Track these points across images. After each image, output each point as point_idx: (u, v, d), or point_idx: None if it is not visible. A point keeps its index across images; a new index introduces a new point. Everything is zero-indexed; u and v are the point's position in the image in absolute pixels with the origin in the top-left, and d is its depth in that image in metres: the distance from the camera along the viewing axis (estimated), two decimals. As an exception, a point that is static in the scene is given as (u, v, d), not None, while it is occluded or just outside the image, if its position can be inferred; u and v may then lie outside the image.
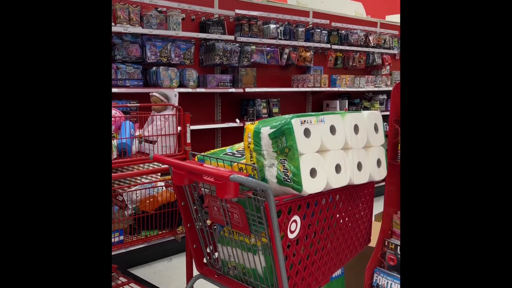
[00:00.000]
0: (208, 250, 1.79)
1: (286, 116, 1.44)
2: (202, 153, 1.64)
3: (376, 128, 1.67)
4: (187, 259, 2.08)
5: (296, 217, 1.45)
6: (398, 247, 1.83)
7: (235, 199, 1.53)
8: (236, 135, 4.04)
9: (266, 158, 1.44)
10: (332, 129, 1.48)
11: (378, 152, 1.67)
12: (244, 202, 1.49)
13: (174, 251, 3.19)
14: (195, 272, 1.84)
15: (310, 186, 1.38)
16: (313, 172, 1.40)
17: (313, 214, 1.52)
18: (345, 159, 1.51)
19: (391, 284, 1.79)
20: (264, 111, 3.92)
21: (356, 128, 1.57)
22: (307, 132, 1.40)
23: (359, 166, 1.58)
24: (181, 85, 3.31)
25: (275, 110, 4.05)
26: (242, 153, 1.65)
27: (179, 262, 3.08)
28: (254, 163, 1.46)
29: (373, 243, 2.21)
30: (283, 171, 1.39)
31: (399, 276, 1.80)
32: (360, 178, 1.58)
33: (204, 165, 1.58)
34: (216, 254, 1.77)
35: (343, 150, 1.52)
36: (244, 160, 1.54)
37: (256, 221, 1.46)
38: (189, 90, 3.27)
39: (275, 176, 1.41)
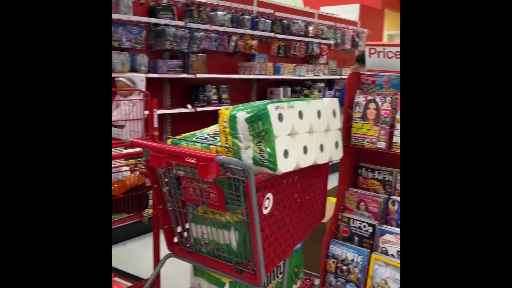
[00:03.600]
0: (179, 230, 1.87)
1: (260, 102, 1.56)
2: (177, 137, 1.71)
3: (334, 113, 1.85)
4: (154, 240, 2.14)
5: (269, 195, 1.59)
6: (351, 220, 2.05)
7: (211, 180, 1.62)
8: (186, 121, 4.07)
9: (242, 141, 1.55)
10: (300, 114, 1.64)
11: (336, 135, 1.86)
12: (220, 182, 1.60)
13: (126, 236, 3.20)
14: (163, 253, 1.91)
15: (284, 166, 1.52)
16: (285, 153, 1.54)
17: (282, 192, 1.67)
18: (311, 141, 1.68)
19: (345, 253, 2.02)
20: (215, 97, 4.00)
21: (319, 114, 1.73)
22: (280, 117, 1.53)
23: (321, 148, 1.75)
24: (132, 70, 3.26)
25: (225, 96, 4.14)
26: (214, 137, 1.75)
27: (133, 246, 3.10)
28: (230, 146, 1.57)
29: (326, 219, 2.43)
30: (259, 153, 1.51)
31: (352, 245, 2.02)
32: (322, 159, 1.76)
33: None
34: (185, 233, 1.86)
35: (308, 133, 1.68)
36: (219, 143, 1.63)
37: (233, 199, 1.58)
38: (141, 75, 3.23)
39: (251, 158, 1.53)
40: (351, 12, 7.44)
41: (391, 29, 10.83)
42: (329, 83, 6.08)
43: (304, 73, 5.33)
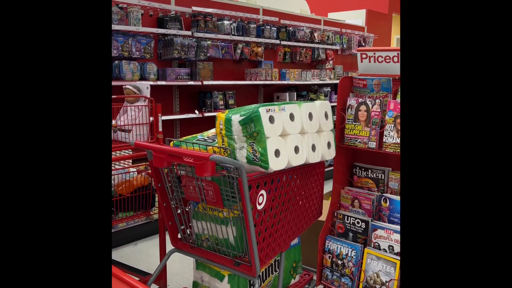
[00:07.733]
0: (182, 227, 2.00)
1: (253, 105, 1.69)
2: (179, 139, 1.85)
3: (326, 116, 1.97)
4: (160, 237, 2.28)
5: (263, 191, 1.72)
6: (345, 217, 2.15)
7: (209, 178, 1.76)
8: (194, 126, 4.23)
9: (237, 142, 1.68)
10: (291, 116, 1.76)
11: (328, 136, 1.97)
12: (218, 180, 1.73)
13: (138, 237, 3.35)
14: (168, 249, 2.05)
15: (275, 164, 1.65)
16: (277, 153, 1.67)
17: (276, 189, 1.79)
18: (302, 142, 1.80)
19: (340, 248, 2.12)
20: (221, 102, 4.15)
21: (310, 116, 1.85)
22: (271, 119, 1.66)
23: (313, 148, 1.87)
24: (142, 78, 3.44)
25: (231, 101, 4.28)
26: (213, 139, 1.88)
27: (144, 246, 3.24)
28: (226, 146, 1.70)
29: (322, 217, 2.54)
30: (252, 152, 1.64)
31: (347, 241, 2.13)
32: (314, 158, 1.87)
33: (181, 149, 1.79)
34: (188, 229, 1.99)
35: (300, 134, 1.80)
36: (217, 144, 1.77)
37: (229, 196, 1.70)
38: (150, 83, 3.41)
39: (245, 157, 1.66)
40: (358, 18, 7.54)
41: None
42: (336, 88, 6.18)
43: (310, 78, 5.44)
